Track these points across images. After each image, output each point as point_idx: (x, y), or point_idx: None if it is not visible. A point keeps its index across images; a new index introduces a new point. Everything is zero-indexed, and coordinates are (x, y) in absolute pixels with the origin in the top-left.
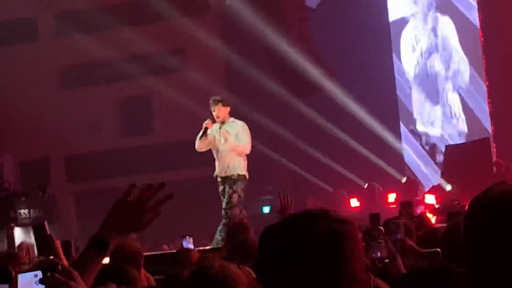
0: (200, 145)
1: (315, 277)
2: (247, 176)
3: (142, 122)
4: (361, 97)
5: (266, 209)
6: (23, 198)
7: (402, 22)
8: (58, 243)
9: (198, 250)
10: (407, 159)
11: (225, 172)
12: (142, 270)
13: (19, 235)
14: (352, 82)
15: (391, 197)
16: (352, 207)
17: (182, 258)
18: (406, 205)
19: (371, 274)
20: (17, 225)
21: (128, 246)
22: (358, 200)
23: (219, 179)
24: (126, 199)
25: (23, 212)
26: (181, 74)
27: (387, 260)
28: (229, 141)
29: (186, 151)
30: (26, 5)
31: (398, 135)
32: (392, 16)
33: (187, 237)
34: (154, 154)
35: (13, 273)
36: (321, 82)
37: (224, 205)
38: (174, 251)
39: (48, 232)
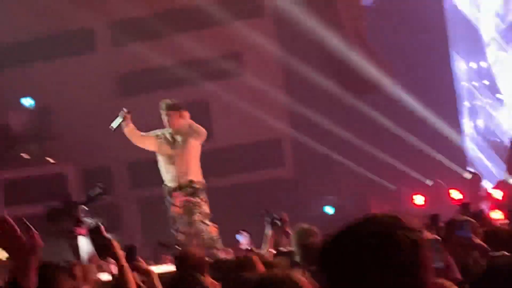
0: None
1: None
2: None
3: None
4: (420, 93)
5: (329, 209)
6: (86, 208)
7: (459, 15)
8: (117, 245)
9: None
10: (469, 154)
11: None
12: (208, 277)
13: (83, 244)
14: (410, 79)
15: (455, 194)
16: (417, 205)
17: (247, 263)
18: (466, 206)
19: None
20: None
21: (192, 253)
22: (423, 198)
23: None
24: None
25: (87, 220)
26: (239, 78)
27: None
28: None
29: (246, 154)
30: (83, 17)
31: (459, 130)
32: (449, 9)
33: (243, 231)
34: (215, 159)
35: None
36: (378, 80)
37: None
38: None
39: (105, 234)
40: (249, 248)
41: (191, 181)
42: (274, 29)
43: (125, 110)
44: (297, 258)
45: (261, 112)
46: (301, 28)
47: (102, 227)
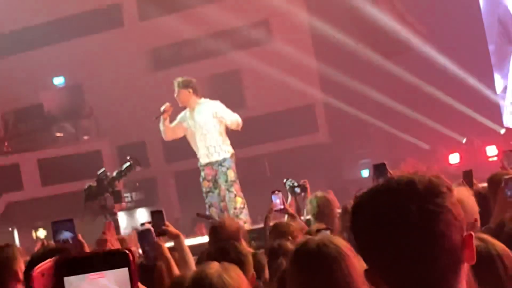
0: (166, 134)
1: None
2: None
3: (233, 97)
4: (451, 51)
5: (365, 173)
6: (122, 182)
7: None
8: (166, 249)
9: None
10: (504, 110)
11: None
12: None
13: (123, 219)
14: (442, 36)
15: (491, 150)
16: (452, 164)
17: (282, 230)
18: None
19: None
20: (120, 210)
21: (227, 223)
22: (458, 156)
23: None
24: None
25: (125, 195)
26: (268, 46)
27: None
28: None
29: (280, 122)
30: None
31: (493, 86)
32: None
33: (277, 192)
34: (248, 128)
35: (132, 257)
36: (409, 40)
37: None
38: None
39: (154, 239)
40: (283, 207)
41: (219, 155)
42: None
43: (168, 104)
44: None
45: (292, 78)
46: None
47: (152, 231)
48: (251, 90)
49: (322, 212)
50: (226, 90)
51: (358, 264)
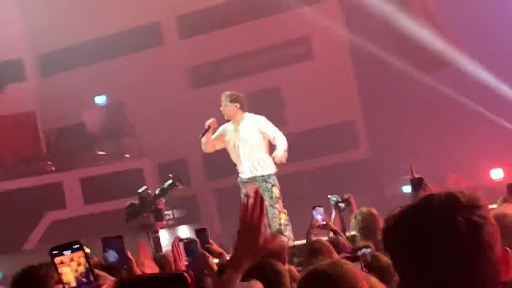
0: (205, 146)
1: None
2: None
3: (273, 114)
4: (492, 65)
5: (407, 189)
6: (163, 199)
7: None
8: (212, 259)
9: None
10: None
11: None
12: (286, 263)
13: (165, 237)
14: (482, 52)
15: None
16: (494, 179)
17: (317, 248)
18: None
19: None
20: (162, 227)
21: (271, 242)
22: (501, 171)
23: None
24: (247, 224)
25: (167, 213)
26: (308, 62)
27: None
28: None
29: (320, 138)
30: (149, 12)
31: None
32: None
33: (318, 207)
34: (291, 144)
35: (190, 279)
36: (449, 55)
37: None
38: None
39: (199, 249)
40: (324, 223)
41: (262, 171)
42: (341, 11)
43: (213, 119)
44: (358, 242)
45: (332, 94)
46: (367, 8)
47: (197, 242)
48: (292, 106)
49: (367, 227)
50: (267, 107)
51: None
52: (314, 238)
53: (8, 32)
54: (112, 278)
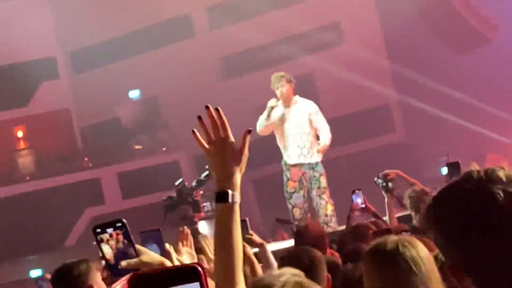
0: (264, 129)
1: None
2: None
3: None
4: None
5: (445, 170)
6: (201, 192)
7: None
8: (250, 251)
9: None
10: None
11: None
12: (328, 248)
13: (204, 228)
14: None
15: None
16: None
17: (360, 232)
18: None
19: None
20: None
21: (312, 228)
22: None
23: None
24: (211, 142)
25: (205, 205)
26: (340, 47)
27: None
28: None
29: (356, 123)
30: (180, 4)
31: None
32: None
33: (357, 191)
34: None
35: (202, 271)
36: (482, 36)
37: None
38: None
39: (250, 231)
40: (364, 206)
41: (311, 157)
42: None
43: (275, 100)
44: (415, 222)
45: (366, 79)
46: None
47: (248, 221)
48: (326, 93)
49: (421, 206)
50: (300, 94)
51: (436, 269)
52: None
53: (40, 30)
54: (157, 258)
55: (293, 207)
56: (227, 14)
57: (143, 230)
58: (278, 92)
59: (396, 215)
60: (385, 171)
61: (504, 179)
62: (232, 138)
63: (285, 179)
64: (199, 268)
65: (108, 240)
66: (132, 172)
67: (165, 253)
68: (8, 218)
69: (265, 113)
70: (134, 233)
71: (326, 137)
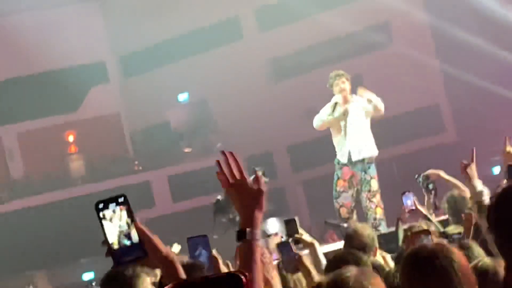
0: (323, 124)
1: None
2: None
3: None
4: None
5: (496, 170)
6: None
7: None
8: (307, 260)
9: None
10: None
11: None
12: (378, 250)
13: (273, 226)
14: None
15: None
16: None
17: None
18: None
19: None
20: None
21: (360, 232)
22: None
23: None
24: (231, 186)
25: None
26: (390, 48)
27: None
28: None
29: (406, 123)
30: (227, 6)
31: None
32: None
33: (407, 192)
34: (374, 131)
35: (245, 279)
36: None
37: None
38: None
39: (294, 250)
40: (414, 208)
41: (363, 159)
42: None
43: (339, 96)
44: (451, 228)
45: (415, 79)
46: None
47: (290, 243)
48: (376, 93)
49: (459, 212)
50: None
51: (472, 276)
52: (404, 225)
53: (90, 35)
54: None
55: (340, 206)
56: (275, 15)
57: (191, 236)
58: (337, 89)
59: (437, 219)
60: (427, 172)
61: None
62: (249, 179)
63: (335, 178)
64: (242, 276)
65: (111, 218)
66: (182, 175)
67: (212, 259)
68: (60, 222)
69: (330, 108)
70: (184, 237)
71: (379, 101)
